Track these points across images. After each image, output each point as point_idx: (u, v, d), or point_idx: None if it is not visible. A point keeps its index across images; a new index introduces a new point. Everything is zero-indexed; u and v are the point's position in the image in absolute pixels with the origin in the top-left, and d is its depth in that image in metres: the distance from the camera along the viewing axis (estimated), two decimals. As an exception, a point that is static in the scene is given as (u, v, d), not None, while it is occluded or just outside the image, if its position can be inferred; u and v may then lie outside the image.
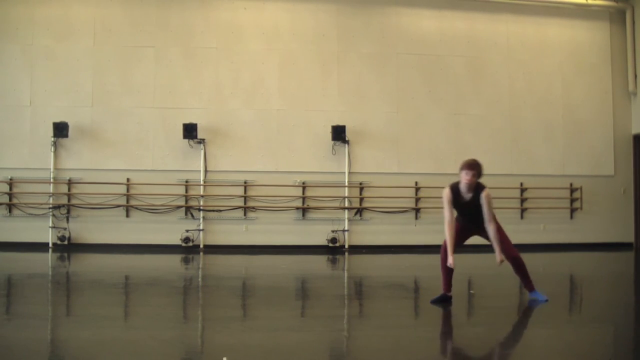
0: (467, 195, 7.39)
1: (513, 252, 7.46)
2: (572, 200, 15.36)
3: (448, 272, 7.43)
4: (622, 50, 15.72)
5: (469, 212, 7.43)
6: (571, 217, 15.39)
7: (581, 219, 15.40)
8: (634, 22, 15.52)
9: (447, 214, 7.36)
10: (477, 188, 7.39)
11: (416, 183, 14.86)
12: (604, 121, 15.64)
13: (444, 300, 7.40)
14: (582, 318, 7.28)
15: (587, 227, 15.37)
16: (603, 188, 15.52)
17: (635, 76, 15.49)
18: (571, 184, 15.36)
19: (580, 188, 15.31)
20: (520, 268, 7.53)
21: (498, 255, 7.28)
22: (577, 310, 7.96)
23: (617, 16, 15.80)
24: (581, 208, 15.34)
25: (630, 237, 15.64)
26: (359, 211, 14.79)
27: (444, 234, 7.36)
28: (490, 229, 7.33)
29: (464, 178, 7.36)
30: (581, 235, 15.25)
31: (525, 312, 7.41)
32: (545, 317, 6.97)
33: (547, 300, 7.40)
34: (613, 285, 9.89)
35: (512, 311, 7.38)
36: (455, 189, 7.44)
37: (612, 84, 15.72)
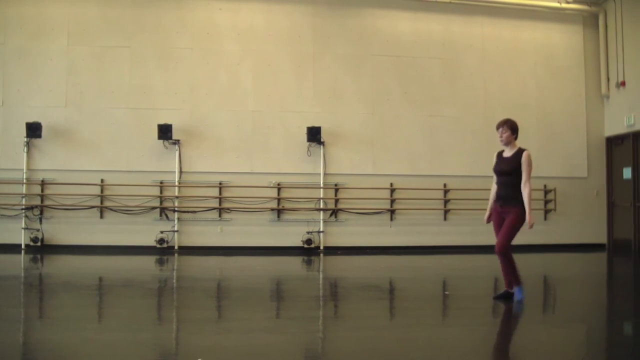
0: (506, 153, 7.99)
1: (499, 247, 7.63)
2: (546, 202, 15.49)
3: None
4: (595, 53, 15.89)
5: (498, 170, 7.94)
6: (545, 218, 15.51)
7: (555, 220, 15.53)
8: (606, 26, 15.70)
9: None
10: (518, 150, 7.95)
11: (391, 184, 14.90)
12: (577, 123, 15.80)
13: (506, 297, 7.78)
14: (556, 318, 7.34)
15: (560, 228, 15.50)
16: (576, 190, 15.67)
17: (608, 79, 15.66)
18: (545, 186, 15.49)
19: (554, 189, 15.45)
20: (503, 264, 7.70)
21: (528, 216, 7.54)
22: (551, 311, 8.02)
23: (590, 20, 15.97)
24: (555, 209, 15.47)
25: (602, 239, 15.81)
26: (334, 212, 14.80)
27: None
28: (525, 191, 7.68)
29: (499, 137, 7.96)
30: (555, 237, 15.36)
31: (500, 312, 7.45)
32: (519, 317, 7.02)
33: (520, 301, 7.48)
34: (586, 286, 9.98)
35: (486, 312, 7.42)
36: (500, 151, 8.14)
37: (586, 87, 15.89)
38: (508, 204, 7.66)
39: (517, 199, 7.60)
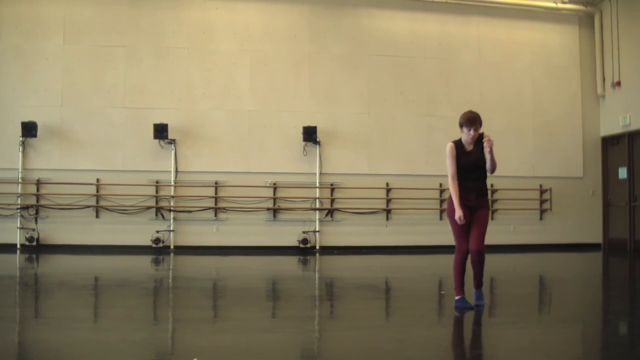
0: (469, 147, 7.21)
1: (482, 245, 7.04)
2: (542, 202, 15.52)
3: (461, 273, 7.09)
4: (591, 53, 15.92)
5: (472, 165, 7.14)
6: (541, 218, 15.54)
7: (551, 220, 15.56)
8: (602, 26, 15.73)
9: (451, 169, 7.10)
10: (478, 139, 7.20)
11: (387, 184, 14.90)
12: (573, 123, 15.82)
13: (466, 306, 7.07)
14: (551, 318, 7.33)
15: (556, 228, 15.54)
16: (572, 189, 15.70)
17: (604, 79, 15.69)
18: (541, 186, 15.51)
19: (550, 189, 15.47)
20: (481, 264, 7.13)
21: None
22: (547, 310, 8.02)
23: (586, 20, 15.99)
24: (551, 209, 15.49)
25: (598, 238, 15.84)
26: (330, 212, 14.80)
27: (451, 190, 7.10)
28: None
29: (468, 135, 7.17)
30: (551, 236, 15.40)
31: (495, 312, 7.45)
32: (515, 317, 7.01)
33: (472, 308, 7.18)
34: (581, 286, 9.98)
35: (482, 312, 7.41)
36: (458, 143, 7.24)
37: (581, 86, 15.92)
38: (483, 197, 7.25)
39: (486, 190, 7.29)
